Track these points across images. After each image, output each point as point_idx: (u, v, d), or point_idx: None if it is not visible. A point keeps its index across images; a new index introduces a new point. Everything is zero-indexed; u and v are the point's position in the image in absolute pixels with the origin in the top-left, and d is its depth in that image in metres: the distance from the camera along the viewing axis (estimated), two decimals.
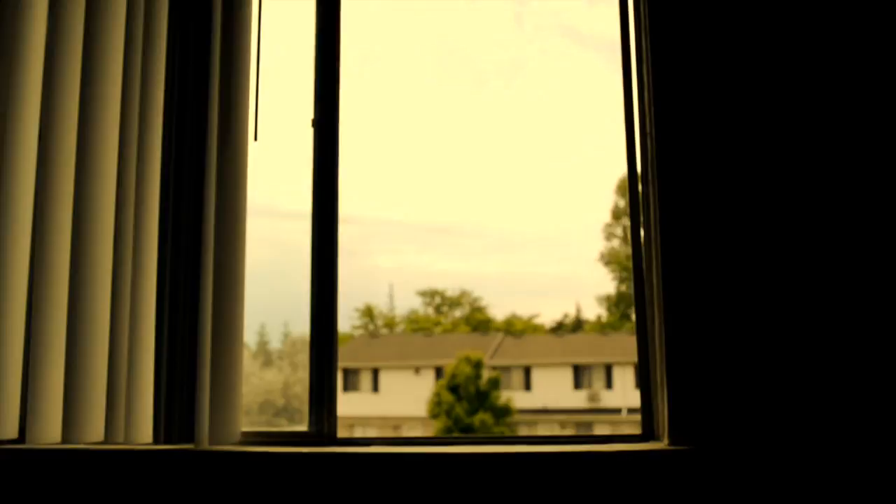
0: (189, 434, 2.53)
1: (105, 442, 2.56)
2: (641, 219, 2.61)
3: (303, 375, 33.50)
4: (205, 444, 2.49)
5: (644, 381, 2.56)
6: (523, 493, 2.30)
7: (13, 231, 2.68)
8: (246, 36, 2.73)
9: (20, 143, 2.72)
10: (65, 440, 2.57)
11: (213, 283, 2.56)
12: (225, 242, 2.60)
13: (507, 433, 31.14)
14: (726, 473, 2.29)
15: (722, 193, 2.44)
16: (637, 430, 2.58)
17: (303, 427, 2.68)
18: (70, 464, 2.53)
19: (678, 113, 2.49)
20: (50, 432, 2.60)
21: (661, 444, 2.40)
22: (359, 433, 31.20)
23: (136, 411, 2.56)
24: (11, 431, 2.65)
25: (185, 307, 2.58)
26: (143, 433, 2.58)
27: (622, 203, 51.04)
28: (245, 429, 2.63)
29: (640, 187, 2.64)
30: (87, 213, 2.67)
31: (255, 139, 2.74)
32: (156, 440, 2.53)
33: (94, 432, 2.61)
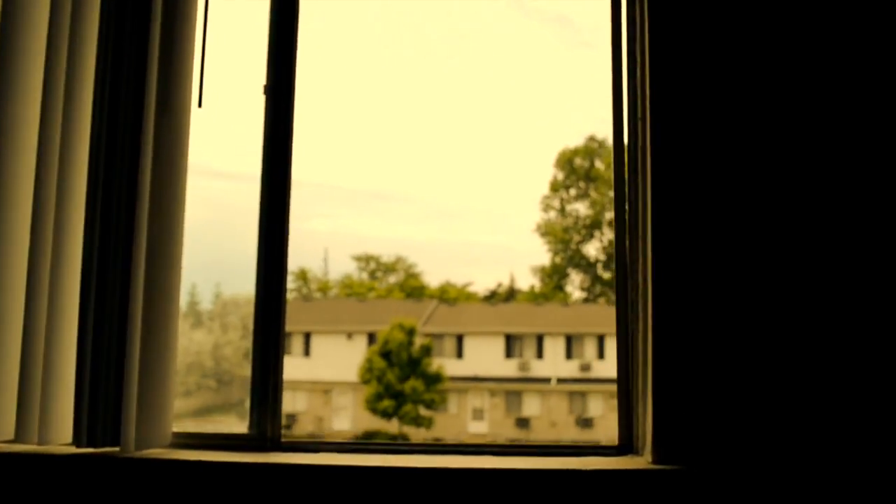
0: (115, 436, 2.23)
1: (15, 441, 2.25)
2: (628, 209, 2.39)
3: (233, 337, 32.95)
4: (131, 449, 2.20)
5: (623, 388, 2.34)
6: None
7: None
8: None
9: None
10: None
11: (146, 267, 2.25)
12: (161, 221, 2.30)
13: (438, 400, 31.23)
14: (718, 498, 2.09)
15: (725, 187, 2.22)
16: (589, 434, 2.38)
17: (242, 424, 2.41)
18: None
19: (678, 96, 2.26)
20: None
21: (643, 461, 2.19)
22: (288, 398, 30.86)
23: (52, 408, 2.26)
24: None
25: (113, 293, 2.27)
26: (61, 433, 2.28)
27: (560, 176, 51.27)
28: (177, 420, 2.36)
29: (626, 176, 2.42)
30: (1, 185, 2.34)
31: (200, 105, 2.44)
32: (76, 442, 2.23)
33: (2, 430, 2.30)
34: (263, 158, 2.48)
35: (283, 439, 2.37)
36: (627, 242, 2.37)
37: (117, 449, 2.22)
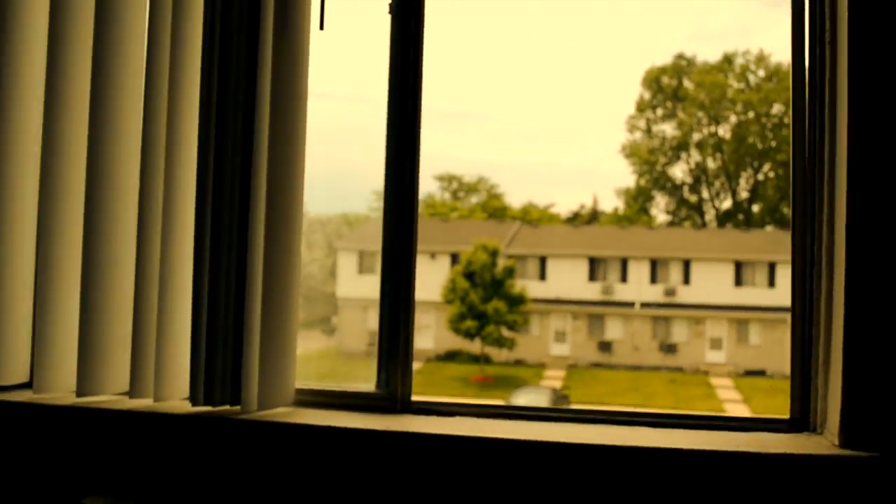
0: (235, 393, 2.05)
1: (131, 397, 2.10)
2: (807, 135, 2.05)
3: (318, 255, 33.29)
4: (253, 408, 2.02)
5: (800, 351, 2.03)
6: (646, 495, 1.84)
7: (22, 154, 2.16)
8: None
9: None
10: (80, 391, 2.11)
11: (266, 208, 2.04)
12: (280, 153, 2.07)
13: (520, 322, 31.19)
14: None
15: None
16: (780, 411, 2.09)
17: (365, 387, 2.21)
18: (85, 421, 2.08)
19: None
20: (61, 380, 2.15)
21: (825, 443, 1.90)
22: (372, 315, 31.23)
23: (168, 361, 2.09)
24: (22, 374, 2.21)
25: (231, 236, 2.06)
26: (178, 388, 2.12)
27: (647, 95, 49.70)
28: None
29: (806, 105, 2.07)
30: (106, 117, 2.14)
31: (322, 28, 2.17)
32: (193, 399, 2.06)
33: (115, 384, 2.15)
34: (390, 82, 2.21)
35: (412, 399, 2.17)
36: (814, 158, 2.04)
37: (238, 409, 2.05)
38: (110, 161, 2.13)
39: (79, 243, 2.16)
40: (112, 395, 2.17)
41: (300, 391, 2.18)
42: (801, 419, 2.04)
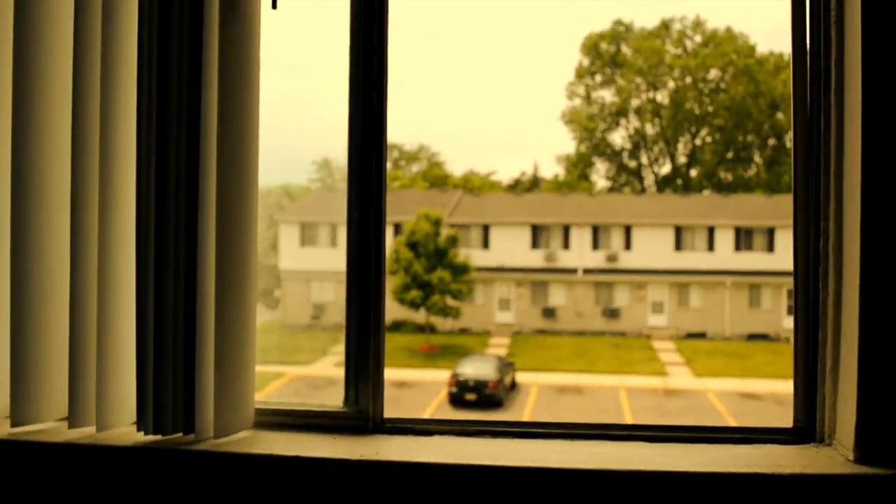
0: (188, 419, 1.83)
1: (71, 426, 1.86)
2: (811, 121, 1.89)
3: (260, 227, 32.59)
4: (208, 433, 1.81)
5: (804, 351, 1.89)
6: None
7: None
8: None
9: None
10: (15, 420, 1.87)
11: (218, 210, 1.81)
12: (231, 150, 1.83)
13: (465, 291, 31.13)
14: None
15: None
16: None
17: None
18: (18, 455, 1.84)
19: None
20: None
21: (839, 458, 1.75)
22: (316, 288, 30.88)
23: (110, 386, 1.86)
24: None
25: (177, 241, 1.82)
26: (123, 415, 1.89)
27: (586, 62, 49.72)
28: None
29: (808, 98, 1.90)
30: (30, 115, 1.88)
31: (274, 7, 1.93)
32: (141, 426, 1.83)
33: (54, 410, 1.91)
34: (352, 38, 1.97)
35: (385, 416, 1.97)
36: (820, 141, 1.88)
37: (192, 437, 1.83)
38: (37, 166, 1.87)
39: (5, 256, 1.90)
40: (51, 422, 1.93)
41: (260, 411, 1.96)
42: (806, 428, 1.89)
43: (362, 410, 1.95)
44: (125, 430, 1.88)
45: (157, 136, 1.80)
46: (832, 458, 1.76)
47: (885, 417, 1.69)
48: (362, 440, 1.88)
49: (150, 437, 1.82)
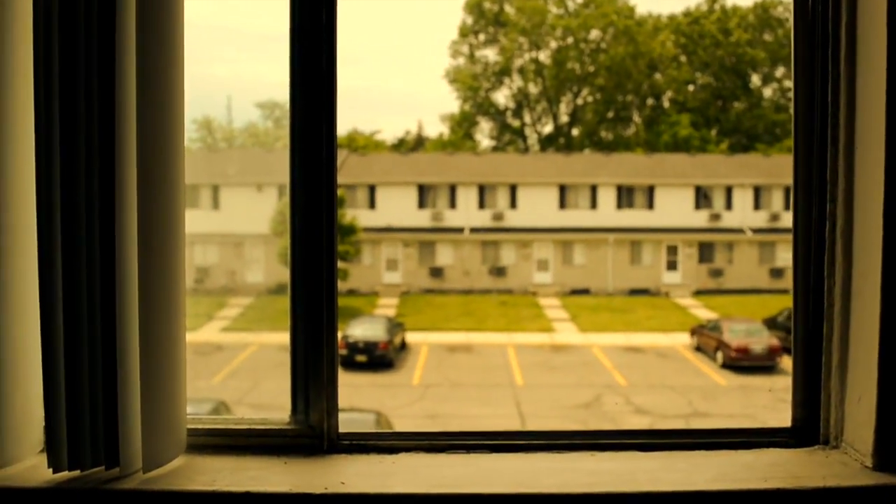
0: (111, 451, 1.50)
1: None
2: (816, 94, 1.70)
3: None
4: (136, 467, 1.50)
5: (803, 346, 1.72)
6: None
7: None
8: None
9: None
10: None
11: (140, 230, 1.48)
12: (151, 136, 1.50)
13: (352, 252, 30.78)
14: None
15: None
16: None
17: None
18: None
19: None
20: None
21: (852, 463, 1.60)
22: (199, 252, 29.82)
23: (12, 412, 1.51)
24: None
25: (91, 231, 1.49)
26: (30, 446, 1.55)
27: (469, 21, 49.46)
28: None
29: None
30: None
31: None
32: (52, 463, 1.49)
33: None
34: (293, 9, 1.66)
35: (340, 432, 1.70)
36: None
37: (116, 471, 1.51)
38: None
39: None
40: None
41: (194, 431, 1.65)
42: (807, 428, 1.73)
43: (314, 427, 1.67)
44: (32, 464, 1.55)
45: (61, 112, 1.45)
46: (847, 464, 1.60)
47: None
48: (319, 463, 1.61)
49: (64, 475, 1.49)
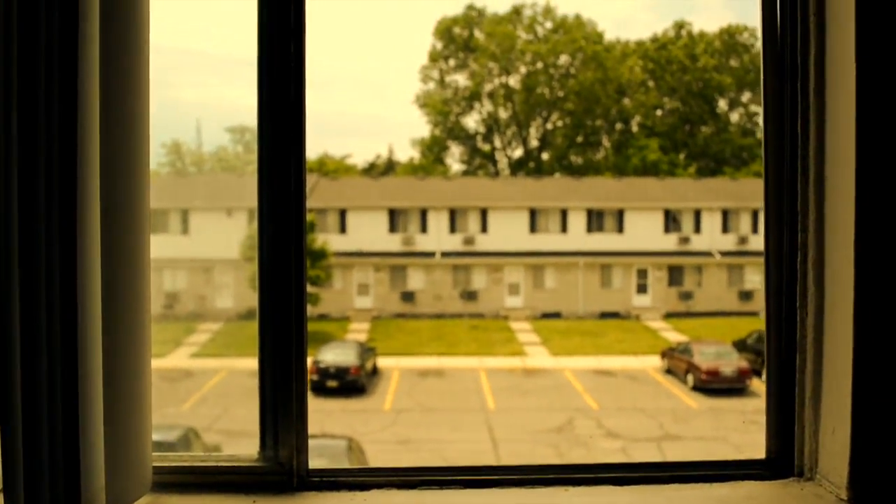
0: (71, 489, 1.46)
1: None
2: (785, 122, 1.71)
3: None
4: None
5: (777, 375, 1.72)
6: None
7: None
8: None
9: None
10: None
11: (103, 231, 1.44)
12: (115, 126, 1.47)
13: (323, 277, 30.64)
14: None
15: None
16: None
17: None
18: None
19: None
20: None
21: (827, 495, 1.59)
22: (168, 277, 29.53)
23: None
24: None
25: (51, 253, 1.45)
26: None
27: (439, 46, 49.75)
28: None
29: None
30: None
31: None
32: (10, 503, 1.45)
33: None
34: (261, 39, 1.64)
35: (310, 468, 1.66)
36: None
37: None
38: None
39: None
40: None
41: (159, 469, 1.61)
42: (781, 460, 1.72)
43: (283, 463, 1.64)
44: None
45: (20, 136, 1.42)
46: (822, 497, 1.59)
47: (881, 452, 1.54)
48: (289, 501, 1.57)
49: None
